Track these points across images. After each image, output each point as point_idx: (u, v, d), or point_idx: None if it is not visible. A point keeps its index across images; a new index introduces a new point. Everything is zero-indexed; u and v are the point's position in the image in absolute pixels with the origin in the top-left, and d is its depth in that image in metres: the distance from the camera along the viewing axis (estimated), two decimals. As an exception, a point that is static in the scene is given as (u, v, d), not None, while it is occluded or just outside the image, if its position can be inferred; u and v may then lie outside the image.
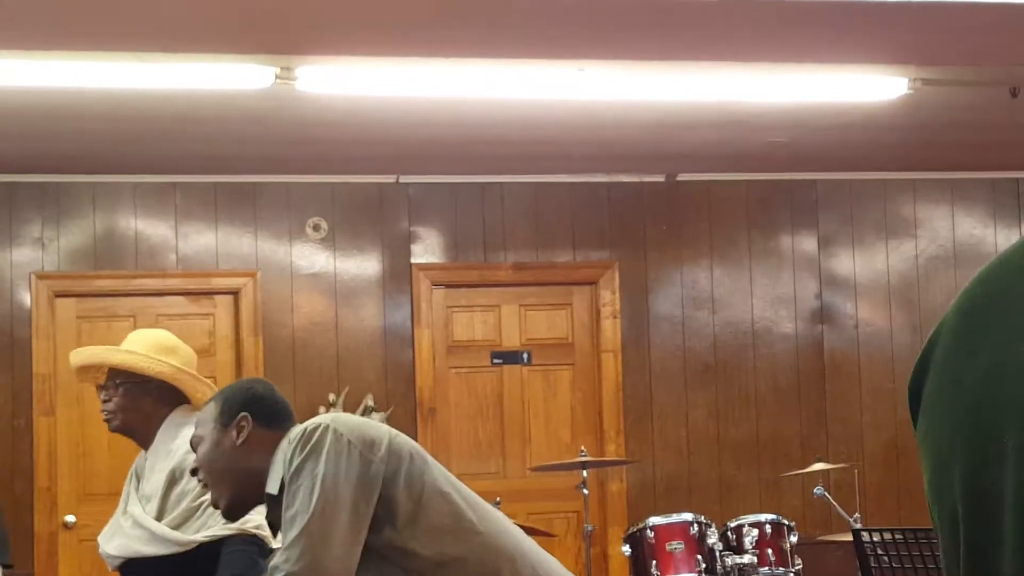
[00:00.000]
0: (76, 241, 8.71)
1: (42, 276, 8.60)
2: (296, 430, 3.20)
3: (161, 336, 4.04)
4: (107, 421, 3.93)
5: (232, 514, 3.36)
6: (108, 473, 8.05)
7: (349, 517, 3.08)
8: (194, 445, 3.33)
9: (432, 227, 9.15)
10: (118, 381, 3.89)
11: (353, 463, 3.10)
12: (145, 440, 3.94)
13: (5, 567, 5.20)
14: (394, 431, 3.26)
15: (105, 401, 3.91)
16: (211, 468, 3.28)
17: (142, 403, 3.89)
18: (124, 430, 3.93)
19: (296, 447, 3.11)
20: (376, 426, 3.26)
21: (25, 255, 8.61)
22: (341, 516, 3.08)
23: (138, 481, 3.94)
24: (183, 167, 8.65)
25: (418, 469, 3.20)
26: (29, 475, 8.36)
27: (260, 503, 3.30)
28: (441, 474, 3.26)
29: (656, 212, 9.44)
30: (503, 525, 3.28)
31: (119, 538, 3.81)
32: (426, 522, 3.15)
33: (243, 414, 3.28)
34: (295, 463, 3.09)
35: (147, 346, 3.92)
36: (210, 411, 3.34)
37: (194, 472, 3.33)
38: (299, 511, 3.09)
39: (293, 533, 3.08)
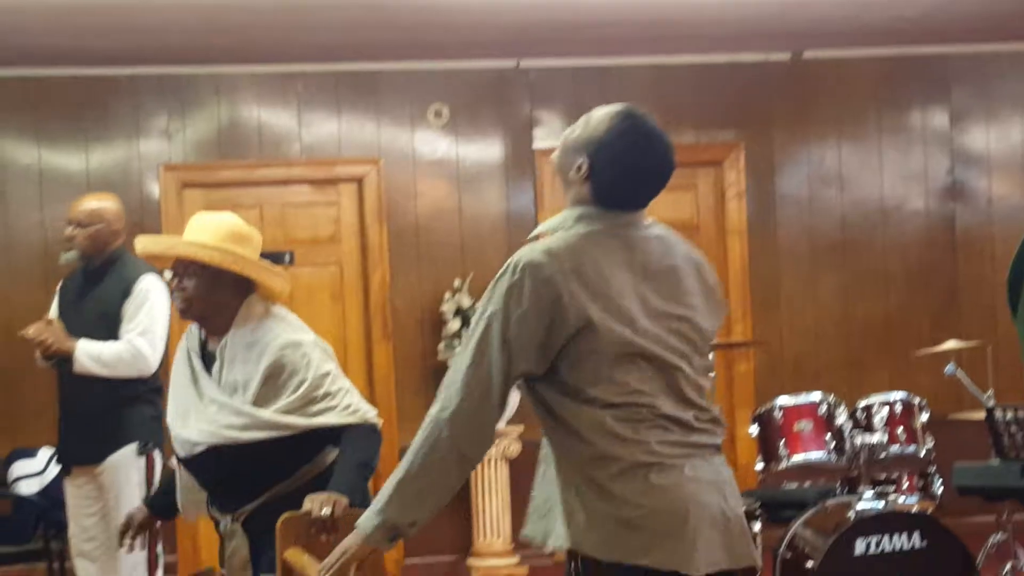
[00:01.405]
0: (201, 132, 8.79)
1: (169, 167, 8.69)
2: None
3: (234, 224, 3.90)
4: (182, 309, 3.88)
5: None
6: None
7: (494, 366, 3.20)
8: None
9: (554, 111, 9.10)
10: (194, 270, 3.82)
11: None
12: (219, 328, 3.87)
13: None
14: None
15: (181, 289, 3.84)
16: None
17: (218, 293, 3.84)
18: (199, 318, 3.89)
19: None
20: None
21: (152, 147, 8.70)
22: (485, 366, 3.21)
23: (206, 365, 3.88)
24: (304, 56, 8.66)
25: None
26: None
27: None
28: None
29: (782, 91, 9.30)
30: None
31: (203, 423, 3.75)
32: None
33: None
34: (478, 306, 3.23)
35: (221, 236, 3.83)
36: None
37: None
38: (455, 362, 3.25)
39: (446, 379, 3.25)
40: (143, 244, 3.95)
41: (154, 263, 4.05)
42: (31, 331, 5.99)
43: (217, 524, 3.98)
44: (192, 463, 3.82)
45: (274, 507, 3.69)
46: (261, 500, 3.80)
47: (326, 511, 3.49)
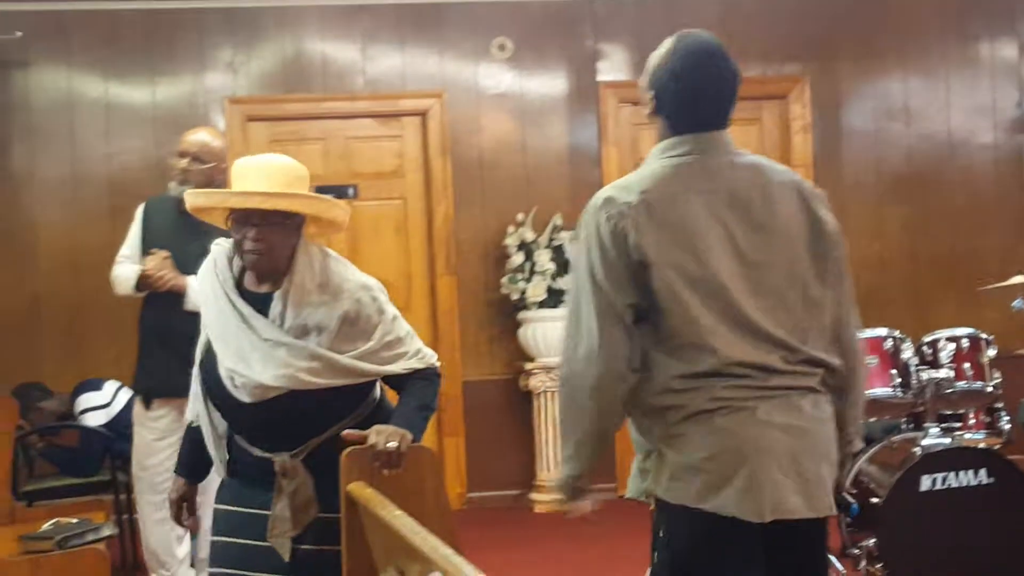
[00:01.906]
0: (266, 65, 8.80)
1: (234, 100, 8.72)
2: None
3: (295, 166, 3.77)
4: (256, 261, 3.71)
5: None
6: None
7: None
8: None
9: (618, 44, 9.04)
10: (276, 220, 3.73)
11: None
12: (278, 271, 3.74)
13: None
14: None
15: (259, 240, 3.68)
16: None
17: (292, 238, 3.77)
18: (270, 267, 3.76)
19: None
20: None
21: (217, 80, 8.73)
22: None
23: (253, 309, 3.76)
24: (368, -11, 8.66)
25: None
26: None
27: None
28: None
29: (848, 23, 9.20)
30: None
31: (276, 368, 3.65)
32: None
33: None
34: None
35: (290, 181, 3.73)
36: None
37: None
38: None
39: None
40: (237, 201, 3.73)
41: (201, 215, 3.85)
42: (150, 264, 5.94)
43: (248, 466, 3.84)
44: (255, 408, 3.71)
45: (333, 444, 3.66)
46: (323, 437, 3.75)
47: (392, 444, 3.47)
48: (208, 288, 3.83)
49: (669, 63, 3.40)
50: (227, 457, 3.88)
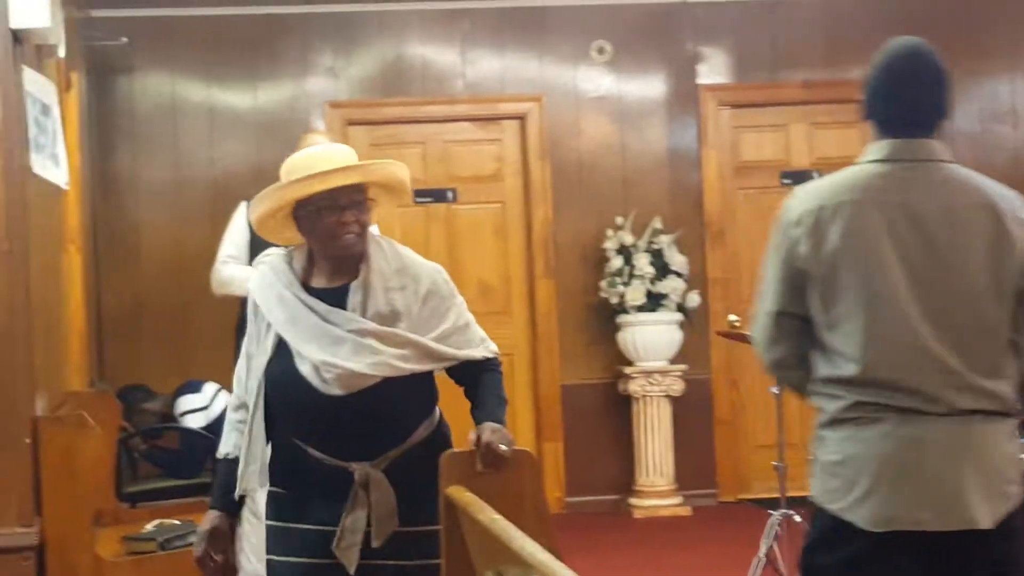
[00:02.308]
0: (366, 70, 8.85)
1: (335, 105, 8.77)
2: None
3: (344, 147, 3.79)
4: (352, 244, 3.62)
5: None
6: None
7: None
8: None
9: (718, 47, 8.99)
10: (363, 200, 3.69)
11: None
12: (357, 258, 3.67)
13: None
14: None
15: (354, 220, 3.59)
16: None
17: (369, 219, 3.75)
18: (362, 249, 3.71)
19: None
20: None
21: (319, 84, 8.79)
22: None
23: (327, 304, 3.72)
24: (468, -7, 8.68)
25: None
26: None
27: None
28: None
29: (954, 24, 9.07)
30: None
31: (369, 356, 3.59)
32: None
33: None
34: None
35: (352, 157, 3.73)
36: None
37: None
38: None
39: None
40: (322, 181, 3.65)
41: (267, 230, 3.78)
42: None
43: (313, 477, 3.68)
44: (342, 404, 3.66)
45: (417, 453, 3.63)
46: (402, 449, 3.70)
47: (504, 448, 3.44)
48: (271, 295, 3.70)
49: (876, 65, 3.40)
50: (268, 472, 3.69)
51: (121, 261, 8.50)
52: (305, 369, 3.61)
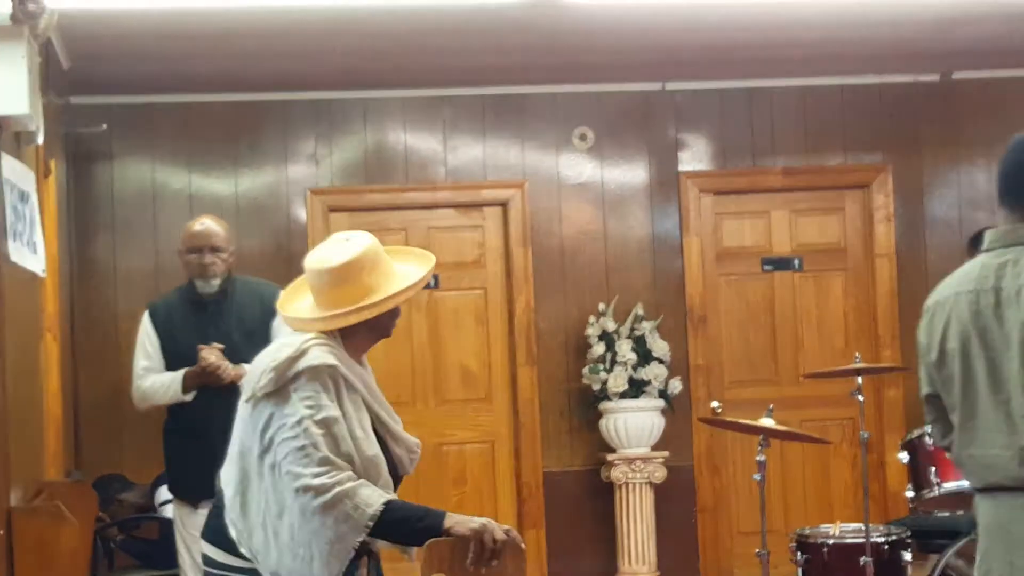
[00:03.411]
0: (348, 156, 8.86)
1: (316, 192, 8.77)
2: None
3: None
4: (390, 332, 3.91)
5: None
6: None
7: None
8: None
9: (699, 134, 9.03)
10: None
11: None
12: None
13: None
14: None
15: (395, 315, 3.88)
16: None
17: None
18: None
19: None
20: None
21: (300, 171, 8.79)
22: None
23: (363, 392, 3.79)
24: (451, 80, 8.70)
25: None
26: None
27: None
28: None
29: (930, 112, 9.13)
30: None
31: (409, 436, 3.86)
32: None
33: None
34: None
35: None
36: None
37: None
38: None
39: None
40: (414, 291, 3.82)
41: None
42: (213, 357, 5.94)
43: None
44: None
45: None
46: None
47: (500, 536, 3.44)
48: (350, 374, 3.70)
49: (1001, 159, 3.58)
50: None
51: (99, 349, 8.44)
52: (400, 451, 3.76)
